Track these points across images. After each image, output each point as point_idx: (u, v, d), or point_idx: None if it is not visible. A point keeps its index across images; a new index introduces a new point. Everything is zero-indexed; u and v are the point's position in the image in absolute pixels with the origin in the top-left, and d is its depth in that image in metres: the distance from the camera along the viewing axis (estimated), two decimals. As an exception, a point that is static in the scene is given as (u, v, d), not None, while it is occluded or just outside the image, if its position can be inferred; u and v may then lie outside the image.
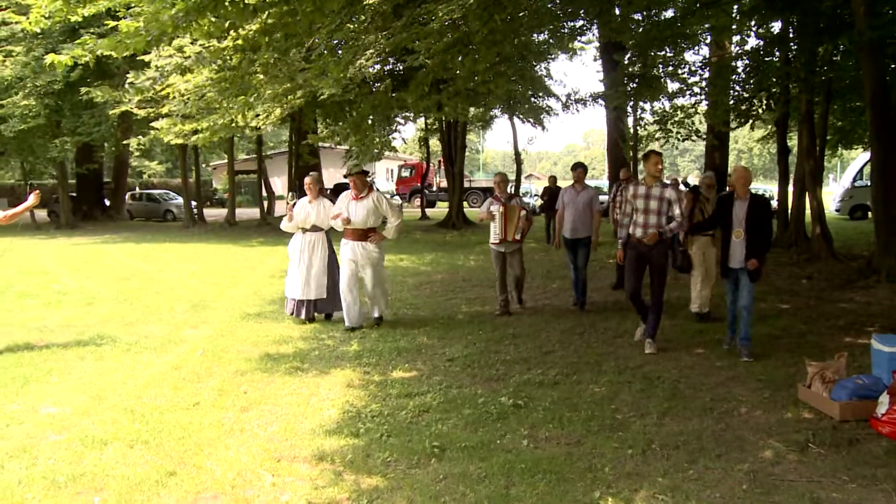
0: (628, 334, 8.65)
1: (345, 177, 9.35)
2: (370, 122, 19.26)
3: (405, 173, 51.20)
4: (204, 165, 50.22)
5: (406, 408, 5.96)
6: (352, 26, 10.24)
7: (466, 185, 36.70)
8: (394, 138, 29.18)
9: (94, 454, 5.01)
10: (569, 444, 5.17)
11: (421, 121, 34.10)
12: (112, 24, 7.02)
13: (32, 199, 7.89)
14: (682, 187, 15.49)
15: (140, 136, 27.01)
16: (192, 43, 15.92)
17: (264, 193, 34.01)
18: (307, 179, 9.56)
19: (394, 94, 14.65)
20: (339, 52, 11.00)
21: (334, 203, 9.53)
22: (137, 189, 47.71)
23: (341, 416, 5.80)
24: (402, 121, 27.22)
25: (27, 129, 25.61)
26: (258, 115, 13.54)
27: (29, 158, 30.77)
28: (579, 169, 10.54)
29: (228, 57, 11.04)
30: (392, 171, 57.32)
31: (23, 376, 7.02)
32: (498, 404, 6.00)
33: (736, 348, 7.64)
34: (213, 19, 7.44)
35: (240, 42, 9.26)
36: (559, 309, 10.49)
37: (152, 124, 20.31)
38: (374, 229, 9.19)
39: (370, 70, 11.23)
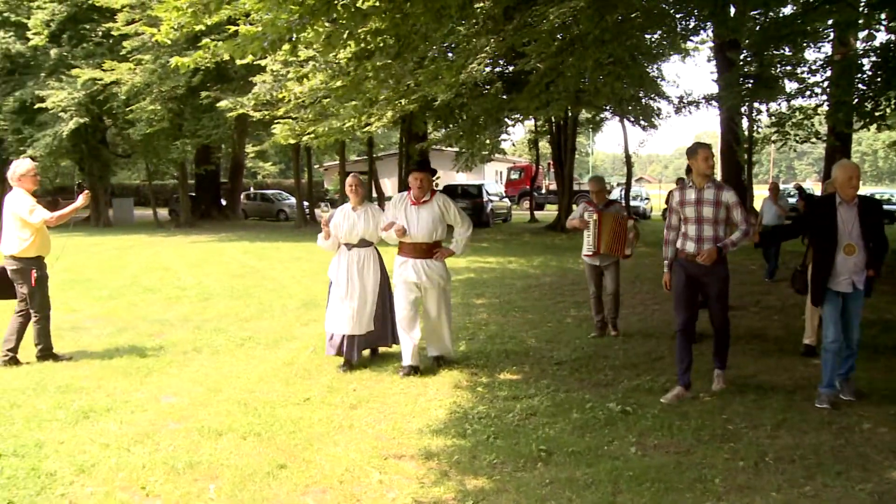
0: (742, 341, 8.38)
1: (407, 174, 7.80)
2: (481, 124, 19.35)
3: (514, 175, 51.30)
4: (316, 166, 51.43)
5: (513, 410, 5.95)
6: (462, 29, 10.31)
7: (576, 188, 36.37)
8: (504, 140, 29.18)
9: (210, 444, 5.21)
10: (678, 453, 5.05)
11: (530, 123, 34.00)
12: (233, 29, 7.31)
13: (81, 199, 7.66)
14: (789, 194, 14.84)
15: (257, 141, 28.02)
16: (305, 47, 16.38)
17: (374, 194, 34.61)
18: (349, 179, 7.61)
19: (504, 97, 14.67)
20: (451, 55, 11.10)
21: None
22: (252, 189, 49.27)
23: (448, 417, 5.85)
24: (511, 122, 27.20)
25: (152, 133, 27.07)
26: (371, 120, 13.80)
27: (153, 160, 32.41)
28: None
29: (343, 61, 11.28)
30: (501, 173, 57.44)
31: (146, 367, 7.39)
32: (606, 410, 5.92)
33: (838, 394, 6.22)
34: (326, 24, 7.64)
35: (353, 47, 9.44)
36: (669, 314, 10.25)
37: (272, 129, 20.97)
38: (440, 243, 7.40)
39: (481, 73, 11.27)
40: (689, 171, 7.92)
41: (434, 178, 7.63)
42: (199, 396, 6.40)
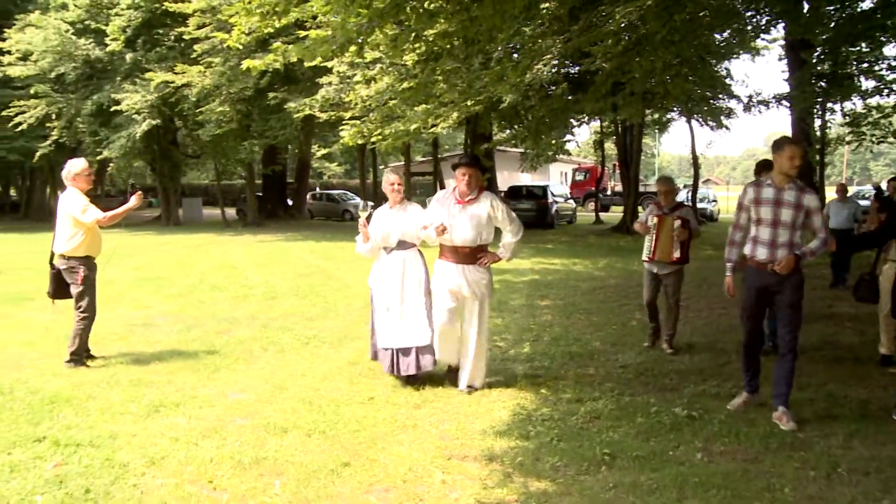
0: (812, 349, 8.17)
1: (453, 168, 6.68)
2: (546, 124, 19.25)
3: (580, 177, 50.97)
4: (381, 167, 51.86)
5: (577, 413, 5.91)
6: (528, 30, 10.27)
7: (641, 189, 35.93)
8: (568, 141, 28.99)
9: (276, 440, 5.29)
10: (745, 460, 4.95)
11: (596, 124, 33.73)
12: (302, 33, 7.43)
13: (134, 200, 7.67)
14: (864, 195, 14.15)
15: (323, 142, 28.41)
16: (371, 49, 16.52)
17: (439, 195, 34.54)
18: (391, 177, 7.02)
19: (570, 98, 14.57)
20: (516, 56, 11.06)
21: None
22: (318, 189, 49.87)
23: (512, 418, 5.84)
24: (576, 123, 27.00)
25: (221, 133, 27.78)
26: (437, 121, 13.84)
27: (221, 160, 33.18)
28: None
29: (410, 64, 11.35)
30: (566, 174, 57.13)
31: (214, 364, 7.55)
32: (671, 414, 5.84)
33: None
34: (394, 26, 7.71)
35: (420, 48, 9.48)
36: (736, 318, 10.00)
37: (339, 131, 21.27)
38: (486, 248, 6.63)
39: (546, 74, 11.21)
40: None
41: (482, 175, 6.85)
42: (265, 393, 6.50)
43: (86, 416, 5.84)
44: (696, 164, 31.45)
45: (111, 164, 32.26)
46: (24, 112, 30.45)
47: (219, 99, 26.68)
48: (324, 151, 28.21)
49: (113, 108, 28.56)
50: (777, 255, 5.63)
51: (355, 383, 6.84)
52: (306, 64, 7.55)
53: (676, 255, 7.95)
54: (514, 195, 31.24)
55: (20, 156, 35.05)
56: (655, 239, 8.03)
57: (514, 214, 6.62)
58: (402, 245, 6.84)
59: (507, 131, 28.34)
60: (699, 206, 31.98)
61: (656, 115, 30.33)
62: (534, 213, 29.92)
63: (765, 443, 5.25)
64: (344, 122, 19.79)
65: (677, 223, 7.90)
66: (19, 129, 30.73)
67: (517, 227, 6.57)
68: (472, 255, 6.49)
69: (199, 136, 29.15)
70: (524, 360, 7.81)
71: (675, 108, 26.93)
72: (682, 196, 35.25)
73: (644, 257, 8.26)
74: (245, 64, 7.61)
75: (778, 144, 5.69)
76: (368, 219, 7.06)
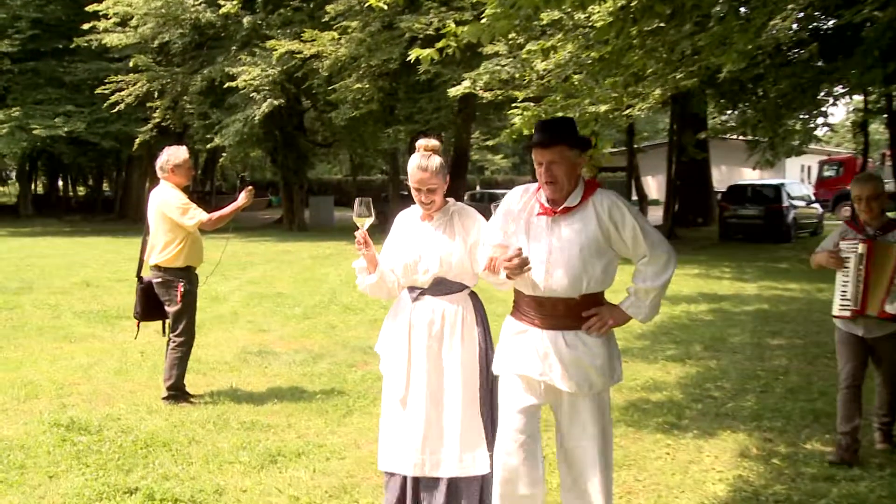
0: None
1: (525, 148, 5.20)
2: (789, 105, 18.57)
3: (829, 172, 48.90)
4: (558, 161, 51.86)
5: (826, 496, 5.65)
6: (762, -25, 9.97)
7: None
8: (818, 126, 27.83)
9: (420, 506, 5.33)
10: None
11: (856, 98, 32.31)
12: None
13: (243, 197, 7.79)
14: None
15: (485, 128, 28.44)
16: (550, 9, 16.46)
17: (634, 196, 34.18)
18: (419, 161, 4.81)
19: (822, 65, 13.94)
20: (744, 11, 10.75)
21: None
22: (478, 188, 50.36)
23: (731, 496, 5.67)
24: (832, 99, 25.87)
25: (358, 116, 28.09)
26: (633, 101, 13.63)
27: (358, 150, 33.80)
28: None
29: (600, 25, 11.22)
30: (810, 168, 55.15)
31: (345, 404, 7.76)
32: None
33: None
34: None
35: (612, 6, 9.35)
36: None
37: (507, 114, 21.40)
38: (600, 298, 4.40)
39: (787, 33, 10.79)
40: None
41: (584, 155, 4.41)
42: (409, 445, 6.58)
43: (186, 464, 6.10)
44: None
45: (223, 154, 33.36)
46: (121, 90, 31.53)
47: (356, 73, 26.80)
48: (492, 142, 28.16)
49: (227, 85, 29.21)
50: None
51: (522, 437, 6.80)
52: (484, 42, 7.48)
53: (889, 308, 6.13)
54: (735, 198, 30.35)
55: (116, 143, 36.84)
56: (865, 279, 6.23)
57: (657, 233, 4.40)
58: (441, 287, 4.88)
59: (729, 113, 27.50)
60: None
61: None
62: (762, 221, 29.05)
63: None
64: (514, 103, 19.87)
65: None
66: (116, 109, 31.98)
67: (665, 257, 4.31)
68: (572, 312, 4.33)
69: (332, 119, 29.57)
70: (748, 416, 7.59)
71: None
72: None
73: (837, 311, 6.46)
74: (413, 53, 7.66)
75: None
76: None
